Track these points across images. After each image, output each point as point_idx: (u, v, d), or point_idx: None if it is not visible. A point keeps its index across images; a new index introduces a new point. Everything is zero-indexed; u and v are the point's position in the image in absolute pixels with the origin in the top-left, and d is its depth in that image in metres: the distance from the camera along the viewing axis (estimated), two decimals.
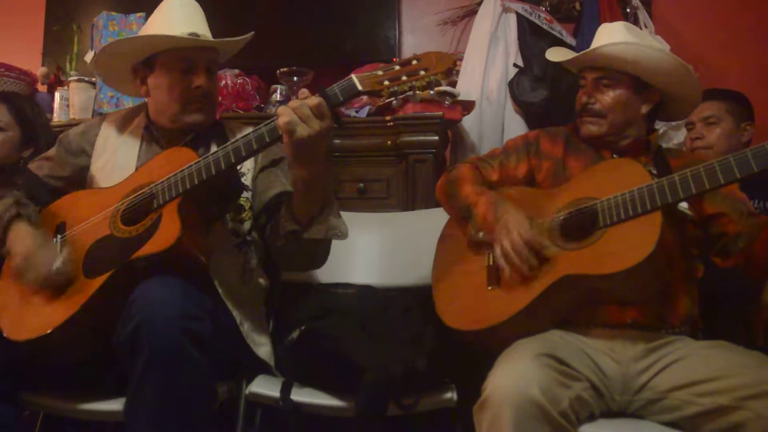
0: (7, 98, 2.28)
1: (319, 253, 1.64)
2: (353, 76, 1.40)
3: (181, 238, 1.41)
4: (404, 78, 1.39)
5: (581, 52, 1.73)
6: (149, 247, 1.43)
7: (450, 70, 1.41)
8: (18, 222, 1.62)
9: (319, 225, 1.52)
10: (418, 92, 1.47)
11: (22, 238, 1.57)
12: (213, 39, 1.74)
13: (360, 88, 1.39)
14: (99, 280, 1.45)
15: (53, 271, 1.50)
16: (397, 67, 1.41)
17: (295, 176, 1.49)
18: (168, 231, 1.44)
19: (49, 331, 1.42)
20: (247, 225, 1.72)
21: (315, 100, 1.38)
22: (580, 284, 1.48)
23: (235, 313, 1.63)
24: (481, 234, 1.66)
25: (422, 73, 1.39)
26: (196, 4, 1.79)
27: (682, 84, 1.68)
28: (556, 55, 1.84)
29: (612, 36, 1.71)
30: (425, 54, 1.41)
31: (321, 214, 1.53)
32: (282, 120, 1.36)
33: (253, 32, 1.79)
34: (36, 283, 1.51)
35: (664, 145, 1.97)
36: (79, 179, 1.79)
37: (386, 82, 1.39)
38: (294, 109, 1.37)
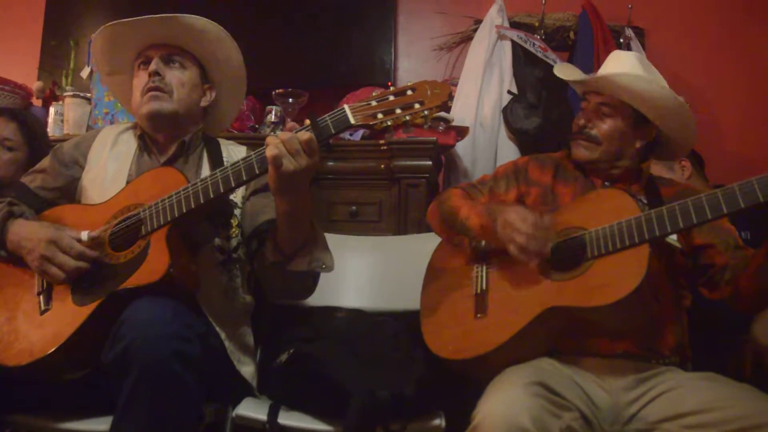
0: (19, 117, 2.23)
1: (305, 284, 1.63)
2: (346, 107, 1.37)
3: (170, 270, 1.41)
4: (398, 111, 1.36)
5: (590, 76, 1.73)
6: (137, 279, 1.42)
7: (445, 103, 1.38)
8: (15, 220, 1.59)
9: (303, 257, 1.52)
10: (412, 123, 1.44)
11: (34, 231, 1.54)
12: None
13: (353, 121, 1.36)
14: (88, 309, 1.44)
15: (87, 240, 1.49)
16: (392, 98, 1.38)
17: (277, 208, 1.48)
18: (156, 263, 1.43)
19: (38, 358, 1.41)
20: (234, 242, 1.71)
21: (306, 135, 1.35)
22: (567, 315, 1.48)
23: (219, 330, 1.62)
24: (483, 243, 1.65)
25: (417, 106, 1.36)
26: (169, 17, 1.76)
27: (680, 127, 1.69)
28: (565, 72, 1.83)
29: (623, 65, 1.72)
30: (420, 83, 1.38)
31: (305, 246, 1.52)
32: (269, 152, 1.34)
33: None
34: (66, 271, 1.47)
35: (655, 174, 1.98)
36: (71, 191, 1.77)
37: (380, 115, 1.36)
38: (283, 142, 1.34)
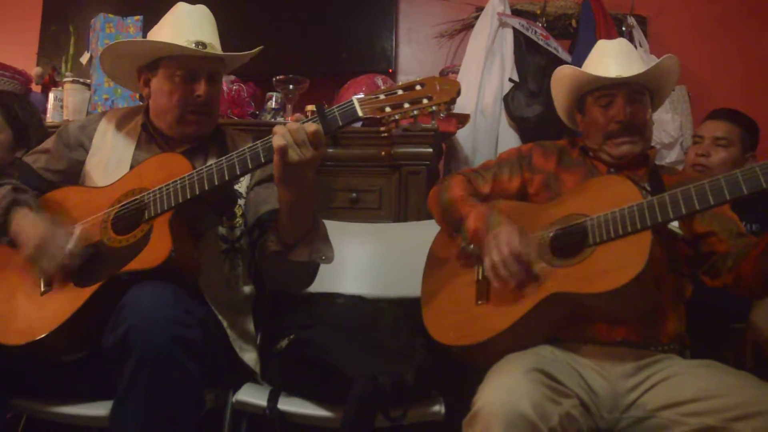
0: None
1: (305, 275, 1.63)
2: (354, 99, 1.38)
3: (172, 255, 1.41)
4: (406, 106, 1.37)
5: (649, 68, 1.67)
6: (139, 263, 1.42)
7: (454, 100, 1.39)
8: (19, 209, 1.58)
9: (304, 248, 1.52)
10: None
11: (31, 225, 1.54)
12: (220, 50, 1.73)
13: (360, 114, 1.37)
14: (88, 291, 1.44)
15: (67, 255, 1.49)
16: (400, 92, 1.39)
17: (280, 198, 1.49)
18: (158, 247, 1.43)
19: (38, 338, 1.41)
20: (237, 232, 1.72)
21: (313, 126, 1.36)
22: (569, 302, 1.48)
23: (221, 318, 1.62)
24: (471, 246, 1.65)
25: (425, 101, 1.38)
26: (207, 12, 1.78)
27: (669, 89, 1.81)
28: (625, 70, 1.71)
29: (622, 53, 1.74)
30: (429, 79, 1.39)
31: (306, 236, 1.53)
32: (276, 141, 1.35)
33: (261, 47, 1.80)
34: (51, 270, 1.49)
35: (658, 163, 1.97)
36: (74, 174, 1.77)
37: (388, 109, 1.37)
38: (291, 132, 1.35)
